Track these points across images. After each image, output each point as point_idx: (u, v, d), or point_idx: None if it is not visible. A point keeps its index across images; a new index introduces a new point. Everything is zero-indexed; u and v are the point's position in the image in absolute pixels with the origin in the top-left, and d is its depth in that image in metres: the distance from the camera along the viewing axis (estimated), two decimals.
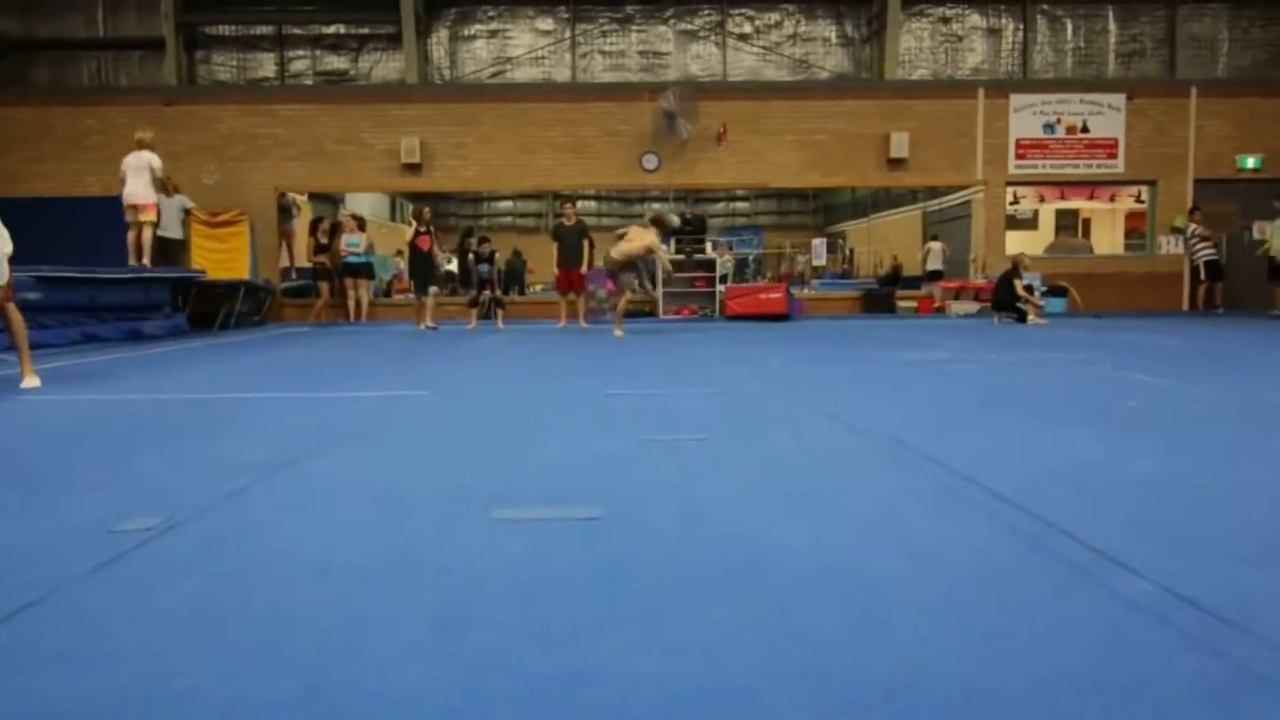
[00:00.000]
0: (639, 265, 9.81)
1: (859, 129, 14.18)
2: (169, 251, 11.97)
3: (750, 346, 8.06)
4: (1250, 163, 14.34)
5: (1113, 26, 15.25)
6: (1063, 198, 16.65)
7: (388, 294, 15.85)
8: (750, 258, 21.57)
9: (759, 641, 1.47)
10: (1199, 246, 13.68)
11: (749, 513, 2.30)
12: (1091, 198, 16.25)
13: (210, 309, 11.53)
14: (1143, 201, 15.15)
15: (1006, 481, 2.53)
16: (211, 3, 15.15)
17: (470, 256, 12.22)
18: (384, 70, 15.07)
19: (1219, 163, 14.37)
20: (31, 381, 5.23)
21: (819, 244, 22.22)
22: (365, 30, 15.12)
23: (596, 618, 1.58)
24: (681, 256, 13.73)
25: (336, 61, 15.17)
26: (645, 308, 14.14)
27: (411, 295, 12.58)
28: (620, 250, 9.67)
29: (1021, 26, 15.16)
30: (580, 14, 15.19)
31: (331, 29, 15.19)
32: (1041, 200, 16.67)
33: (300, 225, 14.94)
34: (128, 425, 3.98)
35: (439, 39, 15.18)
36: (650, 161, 14.17)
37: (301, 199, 15.48)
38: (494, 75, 15.11)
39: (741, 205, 27.02)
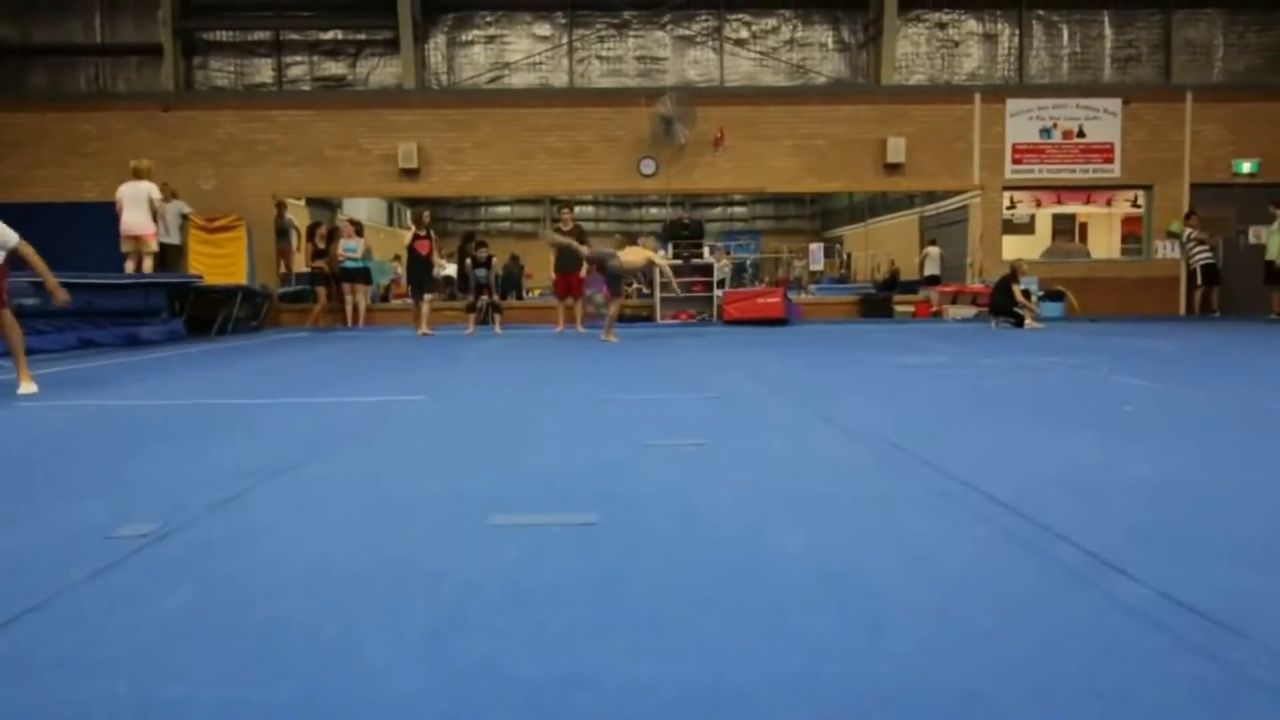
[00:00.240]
0: (638, 273, 9.90)
1: (856, 134, 14.20)
2: (166, 257, 11.97)
3: (747, 351, 8.06)
4: (1246, 167, 14.37)
5: (1108, 32, 15.30)
6: (1059, 202, 16.69)
7: (385, 299, 15.84)
8: (748, 262, 21.58)
9: (756, 646, 1.47)
10: (1195, 251, 13.71)
11: (746, 517, 2.30)
12: (1088, 202, 16.28)
13: (208, 314, 11.52)
14: (1139, 206, 15.18)
15: (1003, 485, 2.53)
16: (209, 8, 15.17)
17: (468, 261, 12.22)
18: (381, 76, 15.09)
19: (1215, 167, 14.40)
20: (28, 387, 5.23)
21: (816, 249, 22.26)
22: (363, 36, 15.15)
23: (593, 623, 1.58)
24: (679, 261, 13.74)
25: (334, 67, 15.19)
26: (642, 312, 14.15)
27: (409, 300, 12.59)
28: (627, 262, 9.82)
29: (1017, 32, 15.20)
30: (578, 19, 15.22)
31: (329, 34, 15.22)
32: (1038, 205, 16.71)
33: (300, 242, 14.94)
34: (125, 431, 3.98)
35: (436, 44, 15.20)
36: (648, 166, 14.18)
37: (299, 203, 15.47)
38: (491, 81, 15.13)
39: (739, 210, 27.02)
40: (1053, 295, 13.57)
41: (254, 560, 2.00)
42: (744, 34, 15.31)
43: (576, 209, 13.76)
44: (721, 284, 14.24)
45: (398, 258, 16.43)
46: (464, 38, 15.24)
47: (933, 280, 15.82)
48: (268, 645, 1.50)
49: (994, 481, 2.58)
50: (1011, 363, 6.66)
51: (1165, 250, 14.48)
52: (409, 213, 18.14)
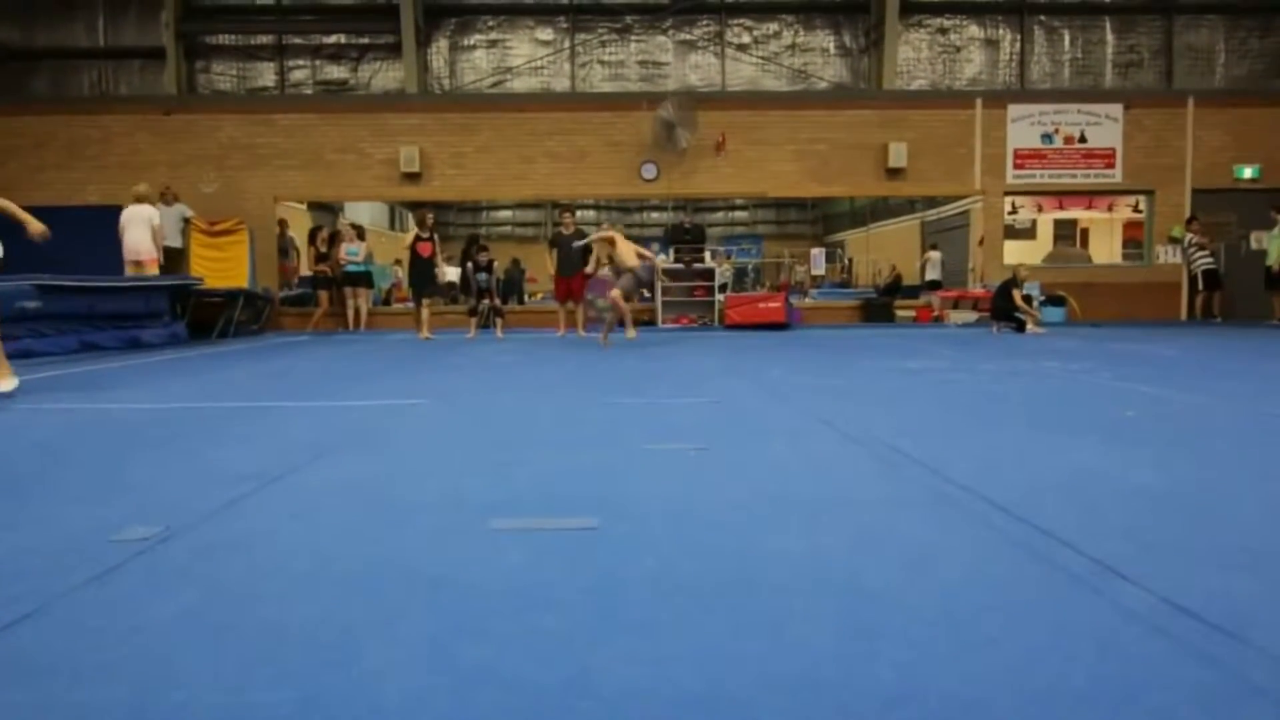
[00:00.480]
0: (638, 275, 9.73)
1: (857, 139, 14.22)
2: (168, 260, 11.99)
3: (749, 356, 8.06)
4: (1247, 173, 14.38)
5: (1110, 37, 15.32)
6: (1061, 207, 16.69)
7: (386, 303, 15.86)
8: (749, 267, 21.59)
9: (754, 651, 1.47)
10: (1196, 256, 13.72)
11: (746, 522, 2.29)
12: (1089, 207, 16.29)
13: (209, 317, 11.53)
14: (1140, 211, 15.19)
15: (1004, 490, 2.53)
16: (212, 12, 15.22)
17: (469, 265, 12.24)
18: (384, 80, 15.13)
19: (1216, 173, 14.41)
20: (8, 384, 5.16)
21: (818, 253, 22.26)
22: (365, 40, 15.19)
23: (593, 627, 1.58)
24: (680, 265, 13.75)
25: (336, 71, 15.23)
26: (644, 316, 14.15)
27: (410, 304, 12.59)
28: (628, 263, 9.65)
29: (1019, 37, 15.23)
30: (579, 24, 15.26)
31: (332, 39, 15.26)
32: (1039, 210, 16.71)
33: (300, 260, 14.99)
34: (125, 434, 3.98)
35: (439, 49, 15.24)
36: (649, 171, 14.20)
37: (301, 207, 15.50)
38: (493, 85, 15.17)
39: (740, 214, 27.05)
40: (1054, 300, 13.58)
41: (255, 564, 2.00)
42: (746, 39, 15.35)
43: (578, 213, 13.77)
44: (723, 288, 14.25)
45: (398, 262, 16.44)
46: (466, 42, 15.28)
47: (934, 285, 15.83)
48: (268, 649, 1.50)
49: (995, 486, 2.58)
50: (1013, 368, 6.66)
51: (1167, 255, 14.49)
52: (411, 216, 18.14)
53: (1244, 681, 1.34)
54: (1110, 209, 16.69)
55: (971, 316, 13.77)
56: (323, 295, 13.52)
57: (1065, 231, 17.92)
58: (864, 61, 15.24)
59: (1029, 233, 17.25)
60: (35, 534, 2.24)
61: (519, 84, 15.19)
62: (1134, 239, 15.94)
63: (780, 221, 27.19)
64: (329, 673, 1.41)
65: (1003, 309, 11.56)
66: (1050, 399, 4.98)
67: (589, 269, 11.90)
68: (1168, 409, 4.50)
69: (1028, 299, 11.62)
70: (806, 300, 16.21)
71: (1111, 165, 14.45)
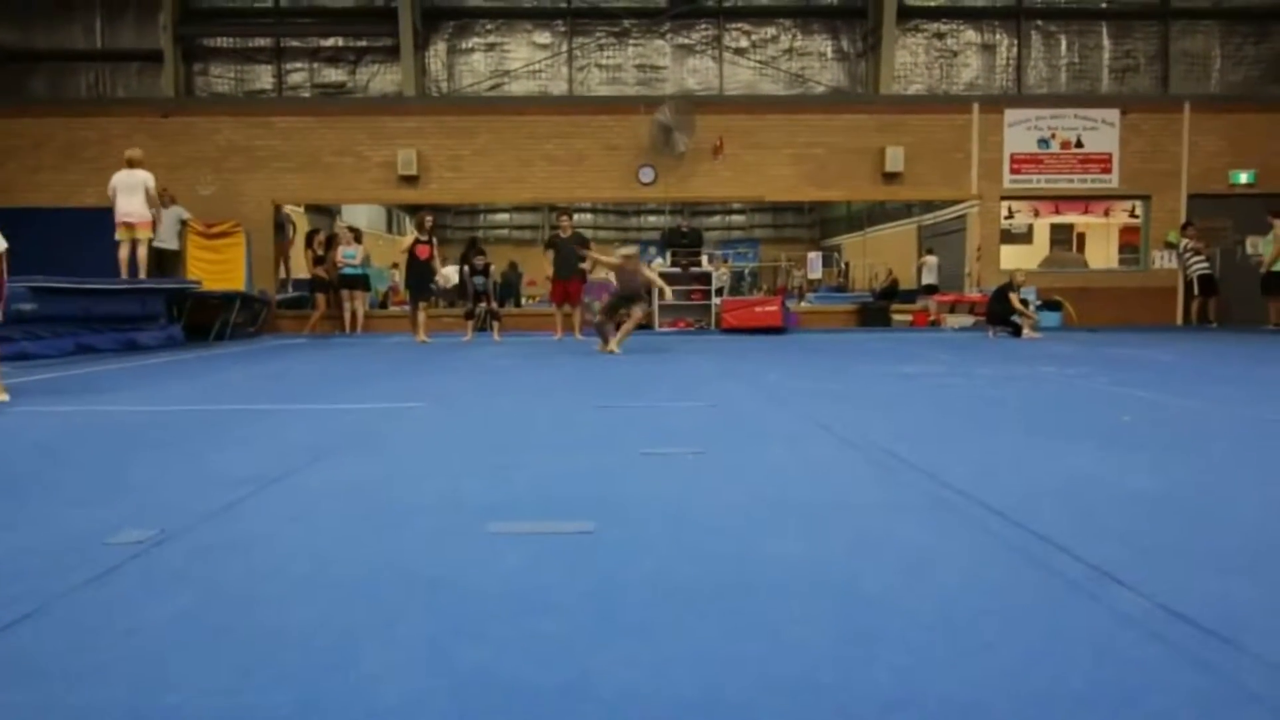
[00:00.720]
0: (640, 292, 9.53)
1: (855, 143, 14.25)
2: (164, 262, 11.98)
3: (746, 359, 8.07)
4: (1243, 178, 14.42)
5: (1106, 42, 15.36)
6: (1057, 212, 16.73)
7: (383, 305, 15.85)
8: (746, 270, 21.62)
9: (752, 655, 1.47)
10: (1192, 261, 13.75)
11: (743, 526, 2.30)
12: (1086, 212, 16.33)
13: (206, 320, 11.52)
14: (1137, 216, 15.23)
15: (1001, 495, 2.53)
16: (210, 15, 15.22)
17: (466, 268, 12.23)
18: (381, 83, 15.13)
19: (1212, 178, 14.45)
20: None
21: (815, 257, 22.28)
22: (363, 43, 15.19)
23: (590, 631, 1.58)
24: (677, 269, 13.76)
25: (334, 74, 15.23)
26: (641, 320, 14.14)
27: (406, 306, 12.58)
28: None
29: (1016, 42, 15.27)
30: (577, 28, 15.27)
31: (329, 42, 15.26)
32: (1036, 215, 16.75)
33: (296, 239, 14.96)
34: (121, 437, 3.98)
35: (436, 52, 15.25)
36: (647, 175, 14.22)
37: (298, 210, 15.50)
38: (491, 88, 15.18)
39: (737, 218, 27.06)
40: (1050, 305, 13.60)
41: (252, 566, 2.00)
42: (743, 43, 15.37)
43: (575, 216, 13.78)
44: (720, 292, 14.27)
45: (396, 265, 16.43)
46: (464, 45, 15.29)
47: (930, 289, 15.85)
48: (265, 652, 1.50)
49: (992, 491, 2.59)
50: (1009, 372, 6.67)
51: (1162, 260, 14.53)
52: (409, 219, 18.14)
53: (1239, 688, 1.34)
54: (1106, 214, 16.73)
55: (968, 321, 13.79)
56: (320, 298, 13.51)
57: (1062, 236, 17.95)
58: (861, 66, 15.27)
59: (1025, 237, 17.28)
60: (33, 535, 2.24)
61: (517, 87, 15.20)
62: (1130, 244, 15.98)
63: (777, 225, 27.21)
64: (326, 675, 1.41)
65: (999, 313, 11.57)
66: (1047, 404, 4.99)
67: (586, 268, 11.92)
68: (1164, 414, 4.51)
69: (1025, 303, 11.64)
70: (803, 304, 16.23)
71: (1108, 170, 14.49)
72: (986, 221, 14.57)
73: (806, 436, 3.78)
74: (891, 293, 17.65)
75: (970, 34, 15.35)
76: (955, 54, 15.34)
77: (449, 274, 14.26)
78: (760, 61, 15.32)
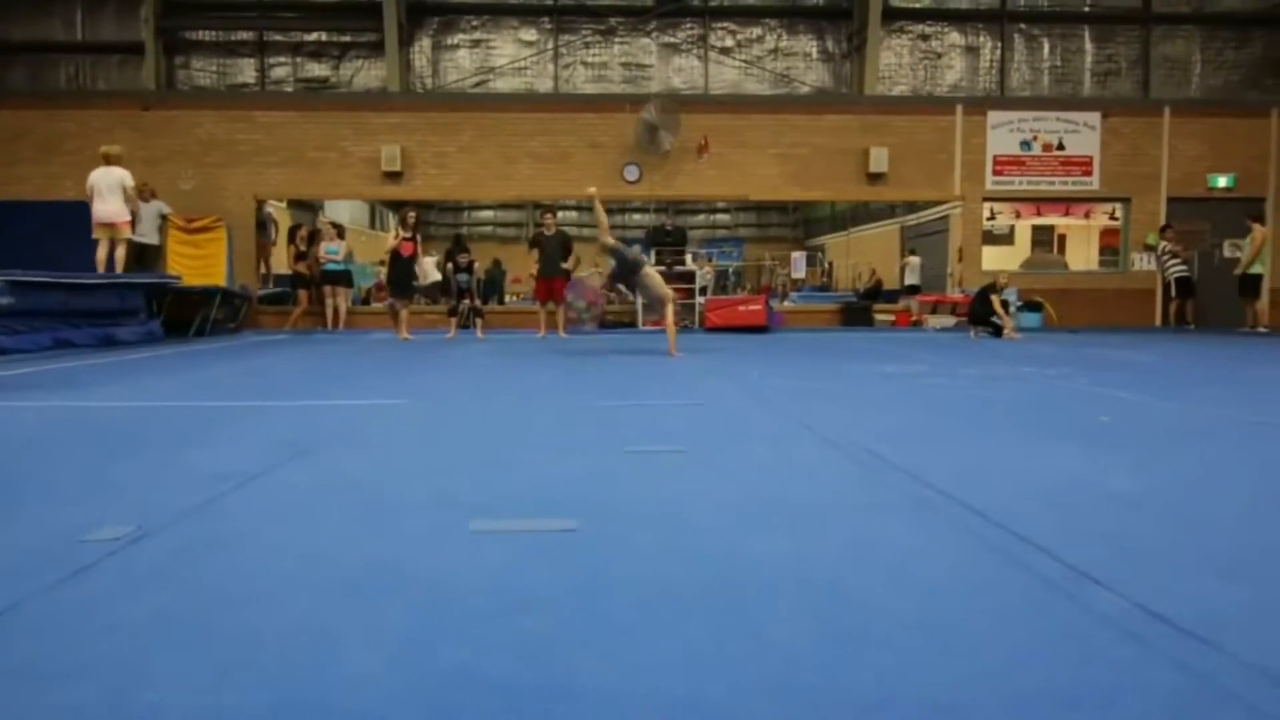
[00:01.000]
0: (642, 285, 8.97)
1: (839, 143, 14.30)
2: (145, 257, 11.87)
3: (729, 358, 8.08)
4: (1222, 182, 14.58)
5: (1088, 46, 15.48)
6: (1039, 214, 16.84)
7: (366, 302, 15.77)
8: (730, 270, 21.64)
9: (735, 655, 1.47)
10: (1170, 264, 13.89)
11: (726, 525, 2.30)
12: (1067, 214, 16.45)
13: (186, 316, 11.42)
14: (1117, 219, 15.36)
15: (982, 496, 2.55)
16: (192, 8, 15.08)
17: (450, 265, 12.19)
18: (366, 78, 15.04)
19: (1191, 181, 14.60)
20: None
21: (799, 257, 22.35)
22: (347, 38, 15.09)
23: (572, 631, 1.58)
24: (662, 268, 13.75)
25: (318, 69, 15.13)
26: (624, 319, 14.15)
27: (386, 303, 12.50)
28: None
29: (999, 45, 15.36)
30: (563, 25, 15.24)
31: (313, 36, 15.15)
32: (1018, 216, 16.85)
33: (278, 237, 14.86)
34: (100, 433, 3.94)
35: (421, 48, 15.17)
36: (632, 173, 14.21)
37: (280, 205, 15.39)
38: (476, 85, 15.12)
39: (722, 217, 27.09)
40: (1031, 306, 13.71)
41: (230, 565, 1.98)
42: (729, 42, 15.39)
43: (560, 214, 13.75)
44: (704, 291, 14.28)
45: (383, 263, 16.34)
46: (449, 41, 15.22)
47: (913, 290, 15.93)
48: (244, 651, 1.49)
49: (973, 492, 2.60)
50: (991, 373, 6.71)
51: (1142, 262, 14.66)
52: (393, 216, 18.04)
53: (1216, 688, 1.35)
54: (1087, 216, 16.86)
55: (950, 321, 13.87)
56: (301, 294, 13.43)
57: (1043, 238, 18.07)
58: (846, 67, 15.32)
59: (1007, 239, 17.38)
60: (8, 532, 2.21)
61: (502, 84, 15.15)
62: (1110, 246, 16.11)
63: (761, 225, 27.26)
64: (305, 675, 1.39)
65: (981, 314, 11.65)
66: (1028, 404, 5.02)
67: (568, 266, 11.91)
68: (1144, 415, 4.55)
69: (1005, 305, 11.72)
70: (786, 304, 16.27)
71: (1089, 173, 14.61)
72: (969, 223, 14.67)
73: (790, 436, 3.79)
74: (875, 293, 17.73)
75: (954, 36, 15.43)
76: (939, 56, 15.42)
77: (428, 267, 14.20)
78: (745, 61, 15.34)
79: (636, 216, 23.36)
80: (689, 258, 14.59)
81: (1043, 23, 15.45)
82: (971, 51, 15.42)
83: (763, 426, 4.10)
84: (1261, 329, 13.00)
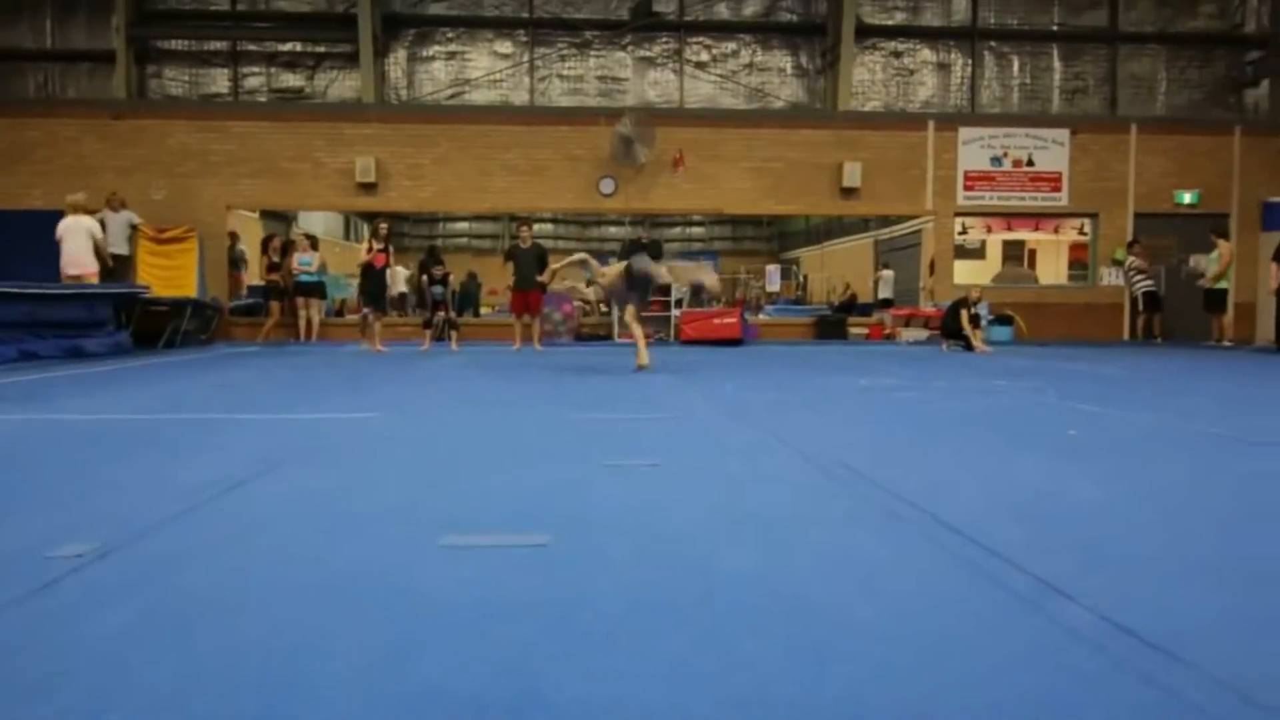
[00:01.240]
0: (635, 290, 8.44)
1: (813, 158, 14.42)
2: (114, 268, 11.72)
3: (704, 371, 8.10)
4: (1187, 198, 14.86)
5: (1057, 64, 15.75)
6: (1009, 228, 17.06)
7: (339, 314, 15.66)
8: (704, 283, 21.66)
9: (707, 668, 1.47)
10: (1137, 279, 14.11)
11: (699, 538, 2.30)
12: (1037, 229, 16.69)
13: (156, 327, 11.28)
14: (1086, 234, 15.60)
15: (953, 509, 2.57)
16: (165, 16, 14.96)
17: (425, 278, 12.13)
18: (340, 89, 14.99)
19: (1158, 197, 14.86)
20: None
21: (773, 270, 22.47)
22: (322, 49, 15.04)
23: (543, 646, 1.57)
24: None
25: (292, 79, 15.06)
26: (600, 331, 14.16)
27: (358, 314, 12.42)
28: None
29: (970, 62, 15.58)
30: (539, 38, 15.28)
31: (287, 46, 15.09)
32: (989, 231, 17.07)
33: (251, 251, 14.75)
34: (66, 446, 3.87)
35: (396, 59, 15.15)
36: (607, 186, 14.25)
37: (253, 215, 15.27)
38: (452, 97, 15.11)
39: (697, 230, 27.20)
40: (1002, 319, 13.87)
41: (198, 580, 1.95)
42: (704, 57, 15.49)
43: (535, 227, 13.74)
44: (679, 304, 14.32)
45: (356, 275, 16.26)
46: (425, 53, 15.21)
47: (886, 303, 16.07)
48: (210, 668, 1.47)
49: (944, 504, 2.62)
50: (962, 386, 6.77)
51: (1110, 277, 14.89)
52: (367, 227, 17.94)
53: (1183, 701, 1.37)
54: (1056, 231, 17.11)
55: (922, 335, 14.00)
56: (274, 305, 13.31)
57: (1014, 252, 18.30)
58: (820, 82, 15.47)
59: (979, 253, 17.60)
60: None
61: (477, 96, 15.15)
62: (1079, 260, 16.36)
63: (737, 238, 27.40)
64: (273, 691, 1.38)
65: (953, 328, 11.77)
66: (998, 417, 5.07)
67: (544, 279, 11.88)
68: (1112, 427, 4.61)
69: (975, 319, 11.84)
70: (761, 316, 16.34)
71: (1058, 188, 14.83)
72: (941, 237, 14.83)
73: (763, 449, 3.80)
74: (849, 306, 17.87)
75: (926, 53, 15.64)
76: (912, 72, 15.62)
77: (398, 276, 14.13)
78: (720, 76, 15.45)
79: (611, 229, 23.41)
80: (663, 269, 14.60)
81: (1012, 41, 15.70)
82: (943, 68, 15.64)
83: (736, 439, 4.11)
84: (1227, 343, 13.22)
